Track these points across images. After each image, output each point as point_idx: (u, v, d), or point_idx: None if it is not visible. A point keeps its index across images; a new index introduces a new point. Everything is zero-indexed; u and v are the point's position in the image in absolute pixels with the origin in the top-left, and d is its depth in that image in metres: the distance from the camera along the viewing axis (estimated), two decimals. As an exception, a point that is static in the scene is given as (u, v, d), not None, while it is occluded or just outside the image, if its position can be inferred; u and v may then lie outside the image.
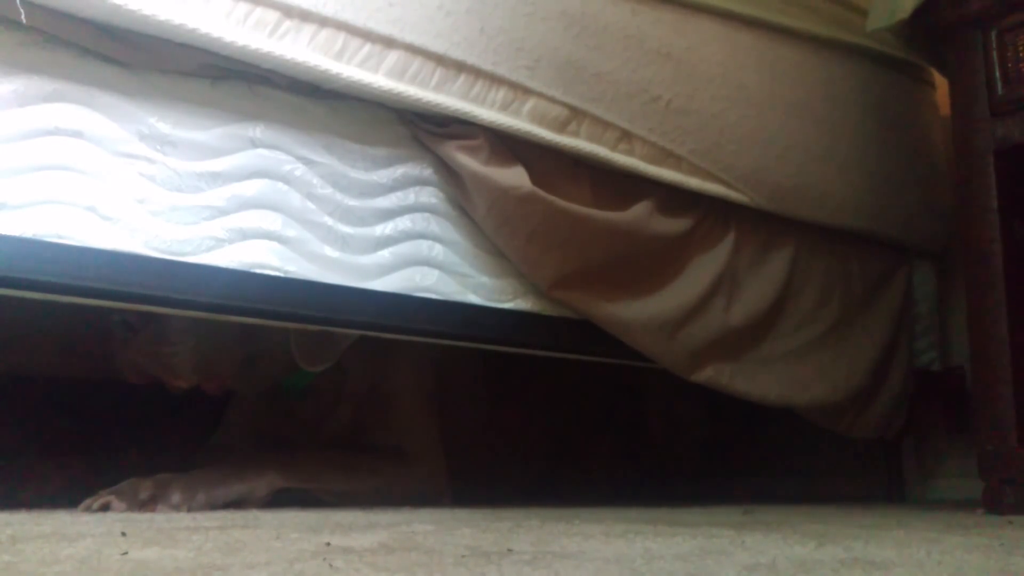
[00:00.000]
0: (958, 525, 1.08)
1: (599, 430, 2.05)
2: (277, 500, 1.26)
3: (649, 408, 2.13)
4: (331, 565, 0.62)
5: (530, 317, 1.33)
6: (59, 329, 1.54)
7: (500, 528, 0.93)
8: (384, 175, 1.21)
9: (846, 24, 1.73)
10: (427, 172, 1.25)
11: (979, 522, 1.16)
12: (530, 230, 1.27)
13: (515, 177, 1.25)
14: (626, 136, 1.37)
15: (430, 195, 1.25)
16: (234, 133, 1.08)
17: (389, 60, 1.13)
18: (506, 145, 1.26)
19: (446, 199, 1.27)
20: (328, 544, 0.75)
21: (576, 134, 1.32)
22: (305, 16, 1.05)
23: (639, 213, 1.40)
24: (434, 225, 1.25)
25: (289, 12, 1.04)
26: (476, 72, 1.20)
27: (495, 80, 1.22)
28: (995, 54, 1.40)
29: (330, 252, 1.14)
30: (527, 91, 1.25)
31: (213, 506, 1.18)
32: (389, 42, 1.12)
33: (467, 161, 1.22)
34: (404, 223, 1.22)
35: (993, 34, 1.41)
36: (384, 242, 1.20)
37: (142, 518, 1.01)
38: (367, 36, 1.10)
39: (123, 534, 0.79)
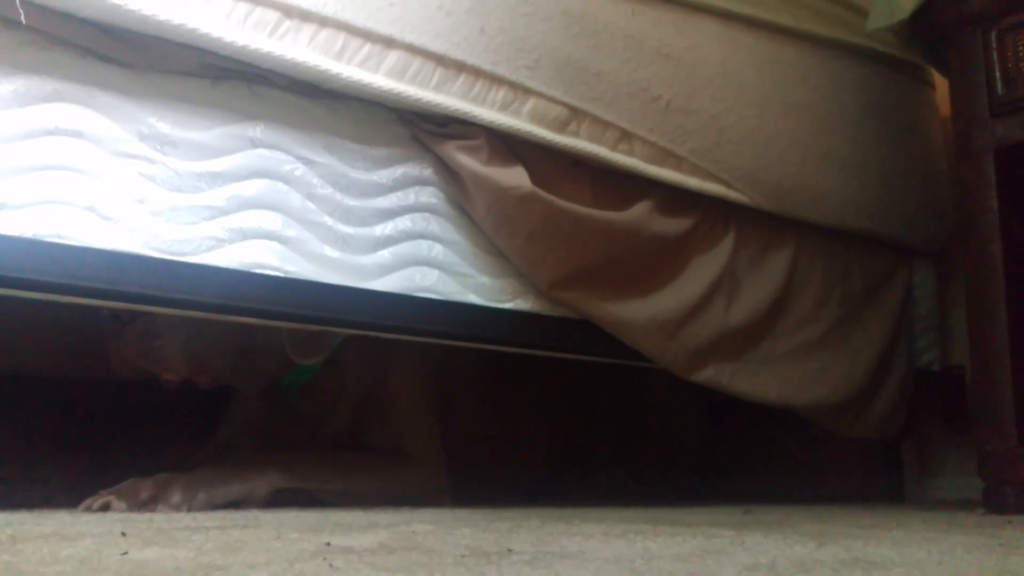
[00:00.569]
0: (958, 525, 1.08)
1: (599, 430, 2.05)
2: (277, 500, 1.26)
3: (649, 408, 2.13)
4: (331, 565, 0.62)
5: (530, 317, 1.33)
6: (59, 329, 1.54)
7: (500, 528, 0.93)
8: (384, 175, 1.21)
9: (846, 24, 1.73)
10: (427, 172, 1.25)
11: (979, 522, 1.16)
12: (530, 230, 1.27)
13: (515, 177, 1.25)
14: (626, 136, 1.37)
15: (430, 195, 1.25)
16: (234, 133, 1.08)
17: (389, 60, 1.13)
18: (506, 145, 1.26)
19: (446, 199, 1.27)
20: (328, 544, 0.75)
21: (576, 134, 1.32)
22: (305, 16, 1.05)
23: (639, 213, 1.40)
24: (434, 225, 1.25)
25: (289, 12, 1.04)
26: (476, 72, 1.20)
27: (495, 80, 1.22)
28: (995, 54, 1.40)
29: (330, 252, 1.14)
30: (527, 91, 1.25)
31: (213, 506, 1.18)
32: (389, 42, 1.12)
33: (467, 161, 1.22)
34: (404, 223, 1.22)
35: (993, 34, 1.41)
36: (384, 242, 1.20)
37: (142, 518, 1.01)
38: (367, 36, 1.10)
39: (123, 534, 0.79)
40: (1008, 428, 1.34)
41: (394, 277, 1.20)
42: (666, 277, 1.46)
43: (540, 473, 1.90)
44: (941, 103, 1.90)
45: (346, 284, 1.15)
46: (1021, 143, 1.38)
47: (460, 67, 1.19)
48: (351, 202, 1.17)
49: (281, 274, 1.10)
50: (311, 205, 1.13)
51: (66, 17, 0.96)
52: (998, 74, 1.40)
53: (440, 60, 1.17)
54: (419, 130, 1.23)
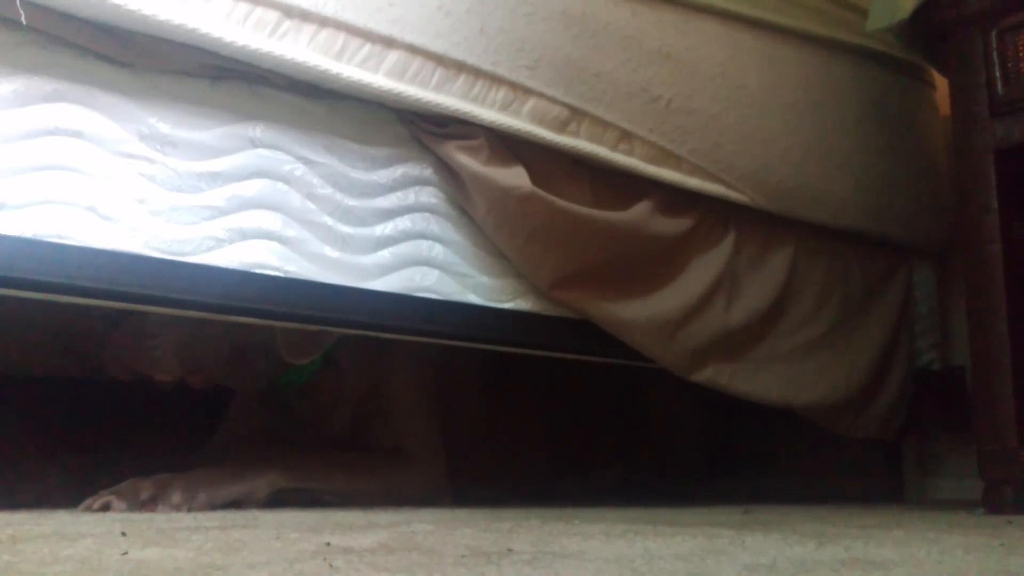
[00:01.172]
0: (958, 525, 1.08)
1: (599, 430, 2.05)
2: (277, 500, 1.26)
3: (649, 408, 2.13)
4: (331, 565, 0.62)
5: (530, 317, 1.33)
6: (59, 329, 1.53)
7: (500, 528, 0.93)
8: (384, 175, 1.21)
9: (846, 24, 1.73)
10: (427, 172, 1.25)
11: (979, 522, 1.16)
12: (530, 230, 1.27)
13: (515, 177, 1.25)
14: (626, 136, 1.37)
15: (430, 195, 1.25)
16: (234, 133, 1.08)
17: (389, 60, 1.13)
18: (506, 145, 1.26)
19: (446, 199, 1.27)
20: (328, 544, 0.75)
21: (576, 134, 1.32)
22: (305, 16, 1.05)
23: (639, 213, 1.40)
24: (434, 225, 1.25)
25: (289, 12, 1.04)
26: (476, 72, 1.20)
27: (495, 80, 1.22)
28: (995, 54, 1.40)
29: (330, 252, 1.14)
30: (527, 91, 1.25)
31: (214, 506, 1.18)
32: (389, 42, 1.12)
33: (467, 161, 1.22)
34: (404, 223, 1.22)
35: (993, 34, 1.41)
36: (384, 242, 1.20)
37: (142, 518, 1.01)
38: (367, 36, 1.10)
39: (123, 534, 0.79)
40: (1008, 428, 1.34)
41: (394, 277, 1.20)
42: (666, 277, 1.46)
43: (540, 473, 1.90)
44: (941, 103, 1.90)
45: (346, 284, 1.15)
46: (1021, 143, 1.38)
47: (460, 67, 1.19)
48: (351, 202, 1.17)
49: (281, 274, 1.10)
50: (311, 205, 1.13)
51: (66, 17, 0.96)
52: (998, 74, 1.40)
53: (440, 60, 1.17)
54: (419, 130, 1.23)
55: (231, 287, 1.06)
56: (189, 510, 1.13)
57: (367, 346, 1.45)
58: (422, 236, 1.23)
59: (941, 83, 1.88)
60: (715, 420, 2.15)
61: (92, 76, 0.99)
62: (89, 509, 1.10)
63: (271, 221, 1.10)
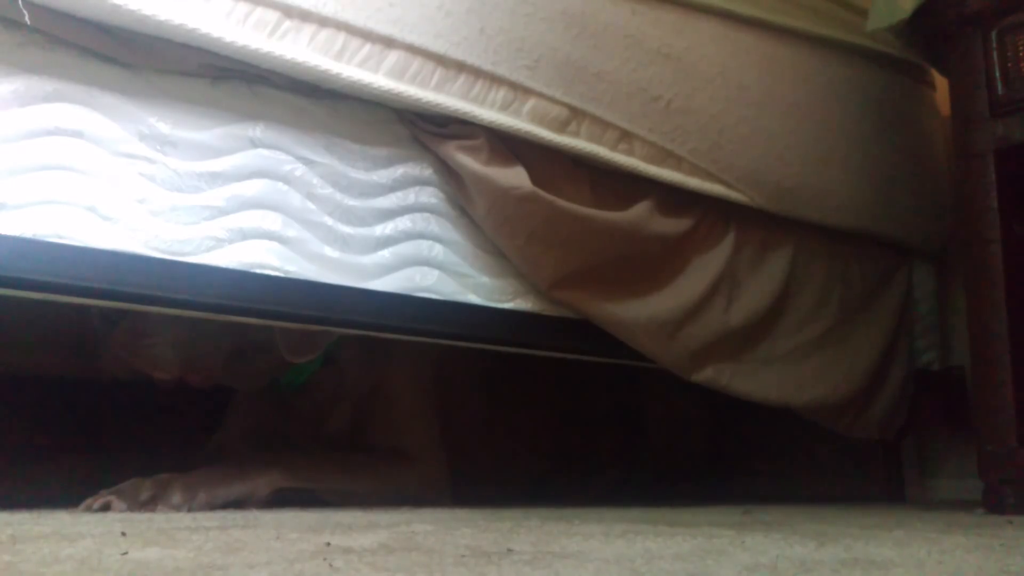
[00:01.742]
0: (958, 525, 1.08)
1: (600, 430, 2.05)
2: (277, 500, 1.26)
3: (650, 408, 2.13)
4: (331, 565, 0.62)
5: (530, 317, 1.33)
6: (59, 329, 1.54)
7: (500, 528, 0.93)
8: (384, 175, 1.21)
9: (846, 24, 1.73)
10: (427, 172, 1.25)
11: (979, 522, 1.16)
12: (530, 230, 1.27)
13: (515, 177, 1.25)
14: (626, 136, 1.37)
15: (430, 195, 1.25)
16: (234, 133, 1.08)
17: (389, 60, 1.13)
18: (506, 145, 1.26)
19: (446, 199, 1.27)
20: (328, 544, 0.75)
21: (576, 134, 1.32)
22: (305, 16, 1.05)
23: (639, 213, 1.40)
24: (434, 225, 1.25)
25: (289, 12, 1.04)
26: (476, 72, 1.20)
27: (495, 80, 1.22)
28: (995, 54, 1.40)
29: (330, 252, 1.14)
30: (527, 91, 1.25)
31: (214, 506, 1.18)
32: (389, 42, 1.12)
33: (467, 161, 1.22)
34: (404, 223, 1.22)
35: (993, 34, 1.41)
36: (384, 242, 1.20)
37: (142, 518, 1.01)
38: (367, 36, 1.10)
39: (123, 534, 0.79)
40: (1008, 428, 1.34)
41: (394, 277, 1.20)
42: (666, 277, 1.46)
43: (541, 473, 1.90)
44: (941, 103, 1.90)
45: (346, 284, 1.15)
46: (1021, 143, 1.38)
47: (460, 67, 1.19)
48: (351, 202, 1.17)
49: (281, 274, 1.10)
50: (311, 205, 1.13)
51: (66, 17, 0.96)
52: (998, 74, 1.40)
53: (440, 60, 1.17)
54: (419, 130, 1.23)
55: (231, 287, 1.06)
56: (189, 510, 1.13)
57: (367, 346, 1.45)
58: (422, 236, 1.23)
59: (941, 83, 1.88)
60: (715, 420, 2.15)
61: (92, 76, 0.99)
62: (89, 509, 1.10)
63: (271, 221, 1.10)
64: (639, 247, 1.41)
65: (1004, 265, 1.37)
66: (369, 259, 1.18)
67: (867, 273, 1.78)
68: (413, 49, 1.14)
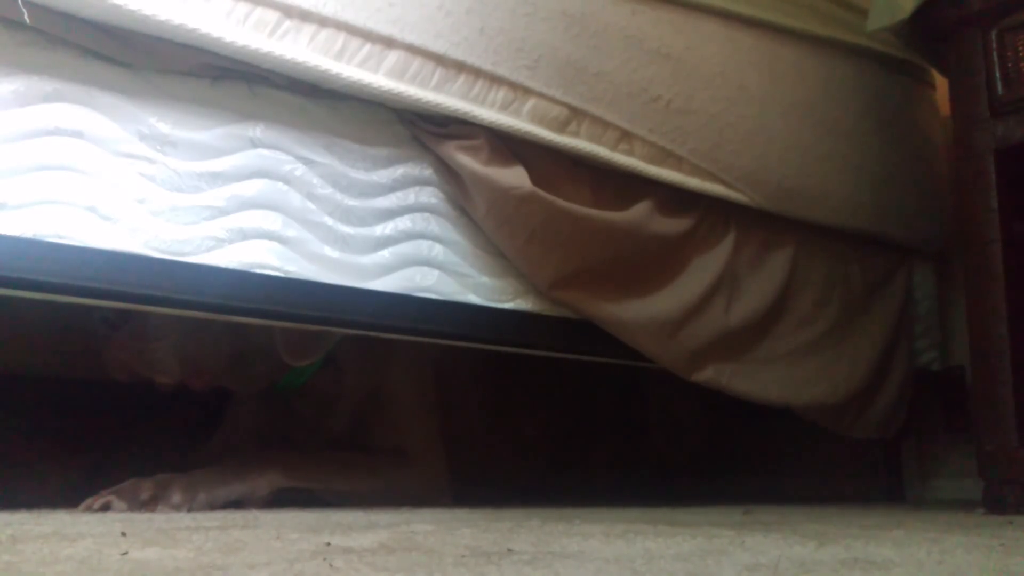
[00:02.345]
0: (958, 525, 1.08)
1: (601, 429, 2.05)
2: (277, 500, 1.26)
3: (651, 408, 2.13)
4: (331, 565, 0.62)
5: (530, 317, 1.33)
6: (59, 329, 1.54)
7: (500, 528, 0.93)
8: (384, 175, 1.21)
9: (846, 24, 1.73)
10: (427, 172, 1.25)
11: (979, 522, 1.16)
12: (530, 230, 1.27)
13: (515, 177, 1.25)
14: (626, 136, 1.37)
15: (430, 195, 1.25)
16: (234, 133, 1.08)
17: (389, 60, 1.13)
18: (506, 145, 1.26)
19: (446, 199, 1.27)
20: (328, 544, 0.75)
21: (576, 134, 1.32)
22: (305, 16, 1.05)
23: (639, 213, 1.40)
24: (434, 225, 1.25)
25: (289, 12, 1.04)
26: (476, 72, 1.20)
27: (495, 80, 1.22)
28: (995, 54, 1.40)
29: (330, 252, 1.14)
30: (527, 91, 1.25)
31: (214, 506, 1.18)
32: (389, 42, 1.12)
33: (467, 161, 1.22)
34: (404, 223, 1.22)
35: (993, 34, 1.41)
36: (384, 242, 1.20)
37: (142, 518, 1.01)
38: (367, 36, 1.10)
39: (123, 534, 0.79)
40: (1008, 428, 1.34)
41: (394, 277, 1.20)
42: (666, 277, 1.46)
43: (541, 473, 1.90)
44: (941, 103, 1.90)
45: (346, 284, 1.15)
46: (1021, 143, 1.38)
47: (460, 67, 1.19)
48: (351, 202, 1.17)
49: (281, 274, 1.10)
50: (311, 205, 1.13)
51: (66, 17, 0.96)
52: (998, 74, 1.40)
53: (440, 60, 1.17)
54: (419, 130, 1.23)
55: (231, 287, 1.06)
56: (189, 510, 1.13)
57: (367, 346, 1.45)
58: (422, 236, 1.23)
59: (941, 83, 1.88)
60: (716, 420, 2.15)
61: (92, 76, 0.99)
62: (89, 509, 1.10)
63: (271, 221, 1.10)
64: (639, 247, 1.41)
65: (1004, 265, 1.37)
66: (369, 259, 1.18)
67: (867, 273, 1.78)
68: (413, 49, 1.14)
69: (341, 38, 1.09)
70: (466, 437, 1.68)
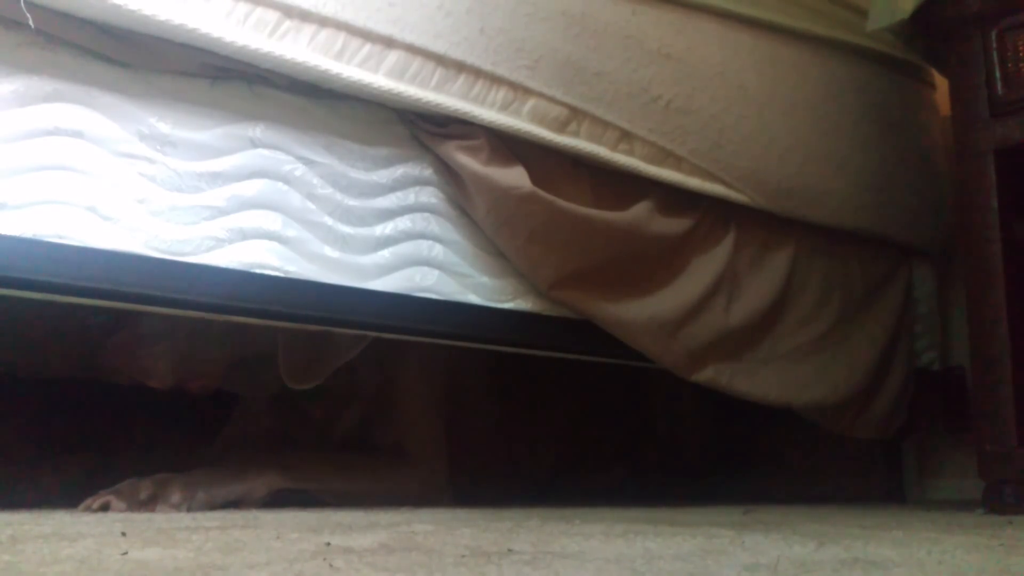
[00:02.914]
0: (958, 525, 1.08)
1: (602, 430, 2.05)
2: (277, 500, 1.26)
3: (653, 408, 2.13)
4: (331, 565, 0.62)
5: (530, 317, 1.33)
6: (59, 329, 1.54)
7: (500, 528, 0.93)
8: (384, 175, 1.21)
9: (846, 24, 1.73)
10: (427, 172, 1.25)
11: (979, 522, 1.16)
12: (530, 230, 1.27)
13: (515, 177, 1.25)
14: (626, 136, 1.37)
15: (430, 195, 1.25)
16: (234, 133, 1.08)
17: (389, 60, 1.13)
18: (506, 145, 1.26)
19: (446, 199, 1.26)
20: (328, 544, 0.75)
21: (576, 134, 1.32)
22: (305, 16, 1.05)
23: (639, 213, 1.40)
24: (434, 225, 1.25)
25: (289, 12, 1.04)
26: (476, 72, 1.20)
27: (495, 80, 1.22)
28: (995, 54, 1.40)
29: (330, 252, 1.14)
30: (527, 91, 1.25)
31: (212, 506, 1.18)
32: (389, 42, 1.12)
33: (467, 161, 1.22)
34: (404, 223, 1.22)
35: (993, 34, 1.41)
36: (384, 242, 1.20)
37: (142, 518, 1.01)
38: (367, 36, 1.10)
39: (123, 534, 0.79)
40: (1008, 428, 1.34)
41: (394, 277, 1.20)
42: (666, 277, 1.46)
43: (545, 473, 1.90)
44: (941, 103, 1.90)
45: (346, 284, 1.15)
46: (1021, 143, 1.38)
47: (460, 67, 1.19)
48: (351, 202, 1.17)
49: (281, 274, 1.10)
50: (311, 205, 1.13)
51: (66, 17, 0.96)
52: (998, 74, 1.40)
53: (440, 60, 1.17)
54: (419, 130, 1.23)
55: (231, 287, 1.06)
56: (188, 510, 1.13)
57: (378, 346, 1.45)
58: (422, 236, 1.23)
59: (941, 83, 1.88)
60: (717, 420, 2.15)
61: (92, 76, 0.99)
62: (88, 509, 1.10)
63: (271, 221, 1.10)
64: (639, 247, 1.41)
65: (1004, 265, 1.37)
66: (369, 259, 1.18)
67: (867, 273, 1.77)
68: (413, 49, 1.14)
69: (341, 38, 1.09)
70: (471, 437, 1.68)
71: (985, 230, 1.39)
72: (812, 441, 1.98)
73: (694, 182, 1.46)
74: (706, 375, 1.49)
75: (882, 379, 1.76)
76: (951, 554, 0.75)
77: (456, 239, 1.27)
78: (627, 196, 1.41)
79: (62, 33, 0.96)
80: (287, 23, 1.04)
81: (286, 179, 1.11)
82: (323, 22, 1.07)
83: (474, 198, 1.25)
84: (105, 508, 1.10)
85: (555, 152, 1.31)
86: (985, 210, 1.39)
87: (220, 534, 0.81)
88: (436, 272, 1.24)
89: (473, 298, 1.27)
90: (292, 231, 1.11)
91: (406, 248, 1.21)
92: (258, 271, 1.08)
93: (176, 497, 1.14)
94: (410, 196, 1.23)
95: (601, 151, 1.34)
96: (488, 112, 1.22)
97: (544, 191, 1.27)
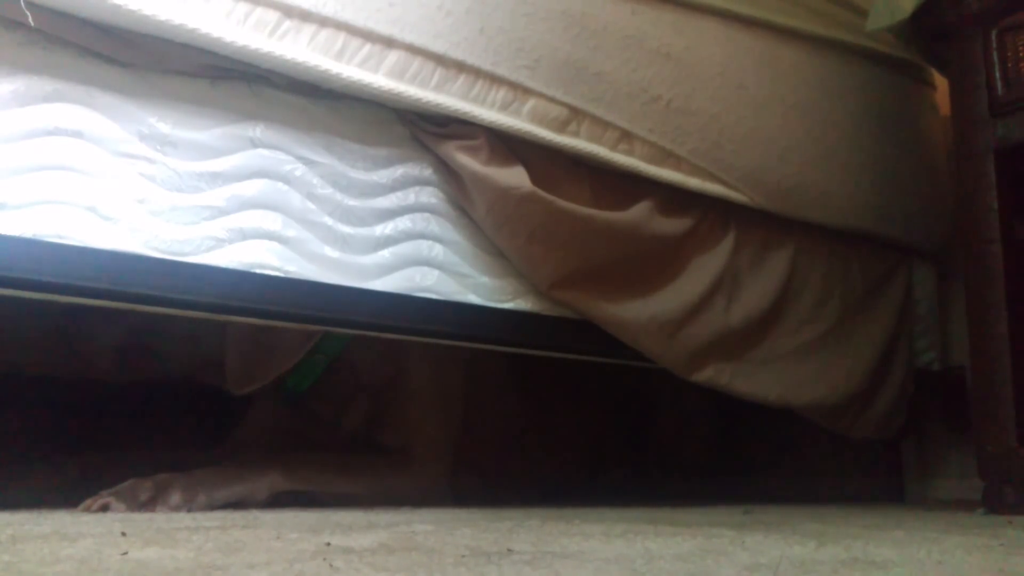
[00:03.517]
0: (958, 525, 1.08)
1: (603, 430, 2.05)
2: (277, 500, 1.26)
3: (657, 408, 2.13)
4: (331, 565, 0.62)
5: (530, 317, 1.33)
6: (59, 329, 1.53)
7: (500, 528, 0.93)
8: (384, 175, 1.21)
9: (846, 24, 1.73)
10: (427, 172, 1.25)
11: (979, 522, 1.16)
12: (530, 230, 1.27)
13: (515, 177, 1.25)
14: (626, 136, 1.37)
15: (430, 195, 1.25)
16: (234, 133, 1.08)
17: (389, 60, 1.13)
18: (506, 145, 1.26)
19: (446, 199, 1.27)
20: (328, 544, 0.75)
21: (576, 134, 1.32)
22: (305, 16, 1.05)
23: (639, 213, 1.40)
24: (434, 225, 1.25)
25: (289, 12, 1.04)
26: (476, 72, 1.20)
27: (495, 80, 1.22)
28: (995, 54, 1.40)
29: (330, 252, 1.14)
30: (527, 91, 1.25)
31: (213, 507, 1.18)
32: (389, 42, 1.12)
33: (467, 161, 1.22)
34: (404, 223, 1.22)
35: (993, 34, 1.41)
36: (384, 242, 1.20)
37: (142, 518, 1.01)
38: (367, 36, 1.10)
39: (123, 534, 0.79)
40: (1008, 428, 1.34)
41: (394, 277, 1.20)
42: (666, 277, 1.46)
43: (546, 473, 1.90)
44: (941, 103, 1.90)
45: (346, 284, 1.15)
46: (1021, 143, 1.38)
47: (460, 67, 1.19)
48: (351, 202, 1.17)
49: (281, 274, 1.10)
50: (311, 205, 1.13)
51: (66, 17, 0.96)
52: (998, 74, 1.40)
53: (440, 60, 1.17)
54: (419, 130, 1.23)
55: (231, 287, 1.06)
56: (188, 511, 1.13)
57: (380, 345, 1.45)
58: (422, 236, 1.23)
59: (941, 83, 1.87)
60: (718, 420, 2.15)
61: (92, 76, 0.99)
62: (88, 511, 1.10)
63: (271, 221, 1.10)
64: (639, 247, 1.41)
65: (1004, 265, 1.37)
66: (369, 259, 1.18)
67: (867, 273, 1.77)
68: (413, 49, 1.14)
69: (341, 38, 1.09)
70: (486, 437, 1.68)
71: (985, 230, 1.39)
72: (812, 441, 1.98)
73: (694, 182, 1.46)
74: (706, 375, 1.49)
75: (882, 379, 1.76)
76: (951, 554, 0.75)
77: (456, 239, 1.27)
78: (627, 196, 1.41)
79: (62, 33, 0.96)
80: (287, 23, 1.05)
81: (286, 179, 1.11)
82: (323, 22, 1.07)
83: (474, 198, 1.25)
84: (105, 509, 1.10)
85: (555, 152, 1.31)
86: (985, 210, 1.39)
87: (220, 534, 0.81)
88: (436, 272, 1.24)
89: (473, 298, 1.27)
90: (292, 231, 1.11)
91: (406, 248, 1.21)
92: (258, 271, 1.08)
93: (176, 499, 1.14)
94: (410, 196, 1.23)
95: (601, 151, 1.34)
96: (488, 112, 1.22)
97: (544, 191, 1.27)
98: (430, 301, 1.23)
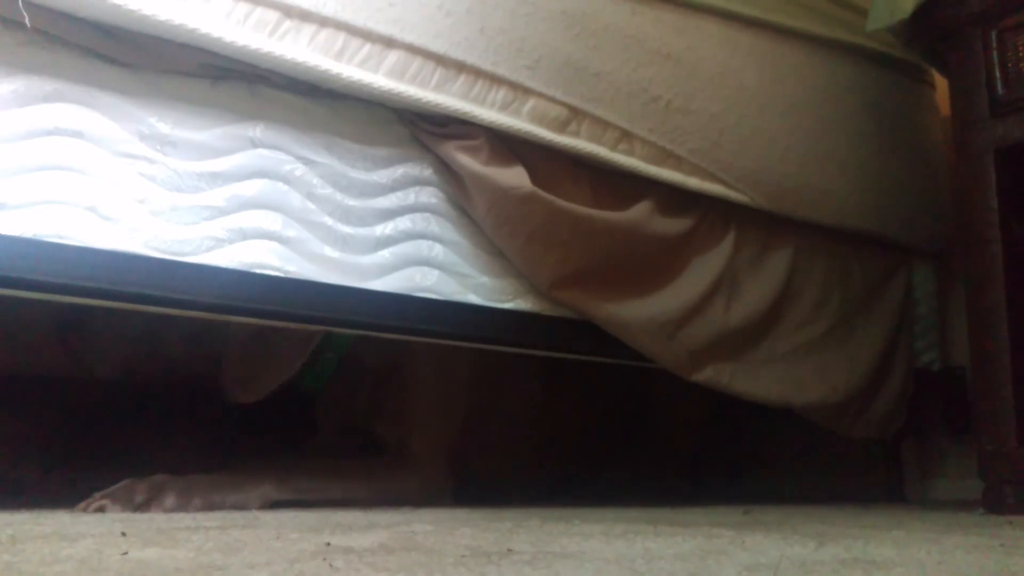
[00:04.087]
0: (958, 525, 1.08)
1: (603, 430, 2.05)
2: (276, 500, 1.26)
3: (652, 409, 2.13)
4: (331, 565, 0.62)
5: (530, 317, 1.33)
6: (59, 329, 1.53)
7: (500, 528, 0.93)
8: (384, 175, 1.21)
9: (846, 24, 1.73)
10: (427, 172, 1.25)
11: (979, 522, 1.16)
12: (530, 230, 1.27)
13: (515, 177, 1.25)
14: (626, 136, 1.37)
15: (430, 195, 1.25)
16: (234, 133, 1.08)
17: (389, 60, 1.13)
18: (506, 145, 1.26)
19: (446, 199, 1.27)
20: (328, 544, 0.75)
21: (576, 134, 1.32)
22: (305, 16, 1.05)
23: (639, 213, 1.40)
24: (434, 225, 1.25)
25: (289, 12, 1.04)
26: (476, 72, 1.20)
27: (495, 80, 1.22)
28: (995, 54, 1.40)
29: (330, 252, 1.14)
30: (527, 91, 1.25)
31: (207, 511, 1.17)
32: (389, 42, 1.12)
33: (467, 161, 1.22)
34: (404, 223, 1.22)
35: (993, 34, 1.41)
36: (384, 242, 1.20)
37: (142, 518, 1.01)
38: (367, 36, 1.10)
39: (123, 534, 0.79)
40: (1008, 428, 1.34)
41: (394, 277, 1.20)
42: (666, 277, 1.46)
43: (546, 473, 1.90)
44: (941, 103, 1.90)
45: (346, 284, 1.15)
46: (1021, 143, 1.38)
47: (460, 67, 1.19)
48: (351, 202, 1.17)
49: (281, 274, 1.10)
50: (311, 205, 1.13)
51: (66, 17, 0.96)
52: (998, 74, 1.40)
53: (440, 60, 1.17)
54: (419, 130, 1.23)
55: (231, 287, 1.06)
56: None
57: (393, 344, 1.45)
58: (422, 236, 1.23)
59: (941, 83, 1.87)
60: (717, 420, 2.15)
61: (92, 76, 0.99)
62: (83, 512, 1.09)
63: (271, 221, 1.10)
64: (639, 247, 1.41)
65: (1004, 265, 1.37)
66: (369, 259, 1.18)
67: (867, 273, 1.78)
68: (413, 49, 1.14)
69: (341, 38, 1.09)
70: (472, 437, 1.68)
71: (985, 230, 1.39)
72: (812, 441, 1.98)
73: (694, 182, 1.46)
74: (706, 375, 1.49)
75: (882, 379, 1.76)
76: (951, 554, 0.75)
77: (456, 239, 1.27)
78: (627, 196, 1.41)
79: (62, 33, 0.96)
80: (287, 23, 1.04)
81: (286, 179, 1.11)
82: (323, 22, 1.07)
83: (474, 198, 1.25)
84: (100, 511, 1.09)
85: (555, 152, 1.31)
86: (985, 210, 1.39)
87: (220, 534, 0.81)
88: (436, 272, 1.24)
89: (473, 298, 1.27)
90: (292, 231, 1.11)
91: (406, 248, 1.21)
92: (258, 271, 1.08)
93: (171, 501, 1.13)
94: (410, 196, 1.23)
95: (601, 151, 1.34)
96: (488, 112, 1.22)
97: (544, 191, 1.27)
98: (430, 301, 1.23)
